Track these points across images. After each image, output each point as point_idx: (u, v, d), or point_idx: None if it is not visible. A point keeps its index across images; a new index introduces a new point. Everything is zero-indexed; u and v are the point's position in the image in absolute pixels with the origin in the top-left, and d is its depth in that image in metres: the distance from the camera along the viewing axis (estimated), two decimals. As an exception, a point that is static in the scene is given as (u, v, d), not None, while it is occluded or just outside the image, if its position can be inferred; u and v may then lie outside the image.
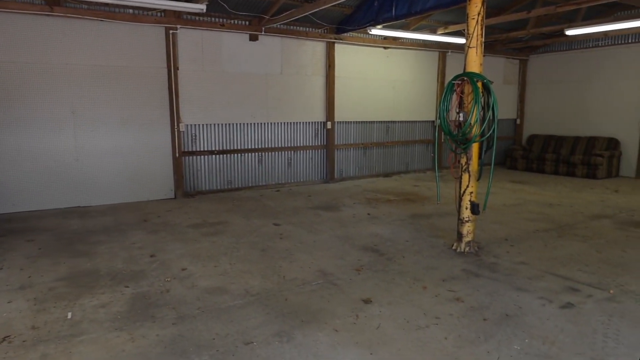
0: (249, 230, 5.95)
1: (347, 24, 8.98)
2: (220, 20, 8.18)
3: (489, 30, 10.29)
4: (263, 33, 8.54)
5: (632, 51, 10.32)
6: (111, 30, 7.30)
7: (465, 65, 4.74)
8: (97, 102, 7.34)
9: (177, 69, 7.92)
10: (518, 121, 12.77)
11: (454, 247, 5.07)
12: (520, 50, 12.19)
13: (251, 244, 5.35)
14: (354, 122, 10.16)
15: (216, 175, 8.65)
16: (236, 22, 8.35)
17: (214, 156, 8.56)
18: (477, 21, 4.56)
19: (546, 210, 7.11)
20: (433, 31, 9.43)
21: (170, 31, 7.74)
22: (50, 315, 3.53)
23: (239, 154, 8.83)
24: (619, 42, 10.51)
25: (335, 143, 9.91)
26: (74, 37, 7.04)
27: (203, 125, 8.36)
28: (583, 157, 10.40)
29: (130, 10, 7.37)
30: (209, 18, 8.08)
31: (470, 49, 4.64)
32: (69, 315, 3.53)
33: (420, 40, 10.37)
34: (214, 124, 8.47)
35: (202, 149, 8.41)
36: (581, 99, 11.38)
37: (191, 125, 8.24)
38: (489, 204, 7.32)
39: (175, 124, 7.99)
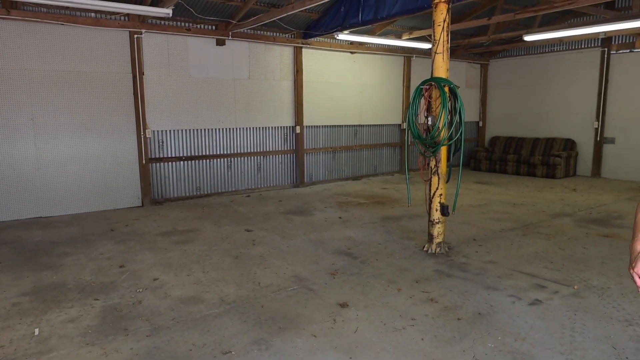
0: (221, 237, 5.88)
1: (314, 29, 9.03)
2: (187, 24, 8.06)
3: (451, 36, 10.58)
4: (230, 38, 8.47)
5: (584, 56, 10.84)
6: (73, 34, 7.08)
7: (432, 70, 4.86)
8: (58, 108, 7.08)
9: (143, 74, 7.75)
10: (480, 123, 13.18)
11: (425, 249, 5.18)
12: (481, 55, 12.59)
13: (224, 251, 5.29)
14: (322, 126, 10.22)
15: (184, 182, 8.51)
16: (203, 26, 8.25)
17: (181, 162, 8.42)
18: (443, 27, 4.69)
19: (510, 209, 7.36)
20: (398, 36, 9.63)
21: (135, 35, 7.57)
22: (15, 332, 3.38)
23: (208, 160, 8.71)
24: (573, 47, 11.04)
25: (305, 147, 9.94)
26: (32, 41, 6.77)
27: (170, 131, 8.21)
28: (542, 158, 10.83)
29: (93, 14, 7.16)
30: (174, 22, 7.95)
31: (437, 55, 4.77)
32: (36, 331, 3.38)
33: (386, 45, 10.56)
34: (182, 130, 8.33)
35: (169, 155, 8.26)
36: (539, 102, 11.87)
37: (158, 131, 8.07)
38: (457, 205, 7.51)
39: (142, 130, 7.81)
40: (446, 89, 4.75)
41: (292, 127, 9.73)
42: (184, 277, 4.45)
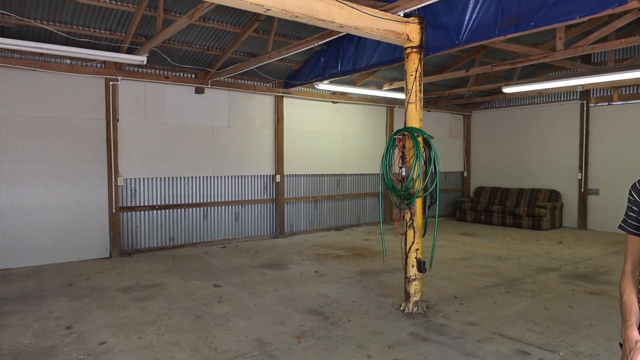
0: (186, 293, 5.48)
1: (295, 78, 9.05)
2: (165, 72, 8.00)
3: (432, 87, 10.68)
4: (209, 86, 8.41)
5: (564, 108, 10.96)
6: (46, 80, 6.94)
7: (405, 120, 4.72)
8: (26, 155, 6.82)
9: (117, 121, 7.58)
10: (465, 174, 13.10)
11: (402, 308, 4.83)
12: (464, 106, 12.72)
13: (185, 309, 4.89)
14: (304, 175, 10.03)
15: (157, 232, 8.14)
16: (181, 74, 8.20)
17: (155, 211, 8.09)
18: (415, 77, 4.60)
19: (494, 263, 7.06)
20: (379, 87, 9.67)
21: (111, 82, 7.46)
22: None
23: (183, 209, 8.40)
24: (552, 99, 11.18)
25: (285, 196, 9.69)
26: (2, 86, 6.61)
27: (144, 179, 7.94)
28: (528, 209, 10.67)
29: (68, 61, 7.08)
30: (152, 70, 7.89)
31: (409, 105, 4.65)
32: (-51, 409, 2.95)
33: (368, 95, 10.61)
34: (156, 178, 8.07)
35: (142, 204, 7.94)
36: (522, 152, 11.87)
37: (130, 179, 7.80)
38: (440, 258, 7.22)
39: (113, 178, 7.53)
40: (420, 139, 4.60)
41: (272, 175, 9.52)
42: (134, 341, 4.03)
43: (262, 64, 7.08)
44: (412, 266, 4.74)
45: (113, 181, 7.54)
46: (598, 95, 10.41)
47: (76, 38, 6.51)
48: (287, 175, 9.71)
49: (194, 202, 8.53)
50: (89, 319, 4.57)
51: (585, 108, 10.57)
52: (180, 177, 8.36)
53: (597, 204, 10.47)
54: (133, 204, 7.85)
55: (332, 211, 10.58)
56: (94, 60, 7.06)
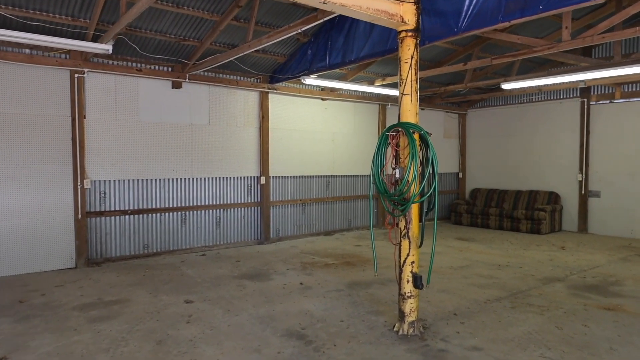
0: (152, 312, 4.84)
1: (280, 72, 8.44)
2: (137, 64, 7.35)
3: (428, 84, 10.13)
4: (187, 80, 7.77)
5: (564, 107, 10.45)
6: (1, 71, 6.26)
7: (399, 114, 4.13)
8: (-23, 154, 6.15)
9: (84, 117, 6.92)
10: (460, 175, 12.56)
11: (395, 329, 4.23)
12: (459, 104, 12.18)
13: (147, 332, 4.25)
14: (291, 176, 9.41)
15: (130, 239, 7.48)
16: (156, 67, 7.55)
17: (127, 217, 7.43)
18: (411, 65, 4.00)
19: (495, 273, 6.50)
20: (371, 83, 9.09)
21: (76, 75, 6.79)
22: None
23: (158, 214, 7.75)
24: (552, 97, 10.66)
25: (271, 199, 9.07)
26: (-51, 78, 5.94)
27: (114, 181, 7.28)
28: (526, 212, 10.13)
29: (27, 50, 6.41)
30: (123, 62, 7.23)
31: (404, 97, 4.05)
32: None
33: (359, 92, 10.04)
34: (128, 180, 7.41)
35: (112, 209, 7.27)
36: (519, 153, 11.34)
37: (99, 181, 7.13)
38: (436, 266, 6.64)
39: (79, 180, 6.86)
40: (416, 135, 4.00)
41: (257, 177, 8.90)
42: (78, 375, 3.40)
43: (242, 54, 6.46)
44: (407, 282, 4.14)
45: (79, 184, 6.87)
46: (599, 92, 9.91)
47: (34, 23, 5.85)
48: (272, 176, 9.09)
49: (171, 206, 7.88)
50: (31, 347, 3.91)
51: (585, 106, 10.07)
52: (156, 179, 7.70)
53: (599, 207, 9.96)
54: (102, 209, 7.19)
55: (322, 215, 9.98)
56: (53, 48, 6.40)
